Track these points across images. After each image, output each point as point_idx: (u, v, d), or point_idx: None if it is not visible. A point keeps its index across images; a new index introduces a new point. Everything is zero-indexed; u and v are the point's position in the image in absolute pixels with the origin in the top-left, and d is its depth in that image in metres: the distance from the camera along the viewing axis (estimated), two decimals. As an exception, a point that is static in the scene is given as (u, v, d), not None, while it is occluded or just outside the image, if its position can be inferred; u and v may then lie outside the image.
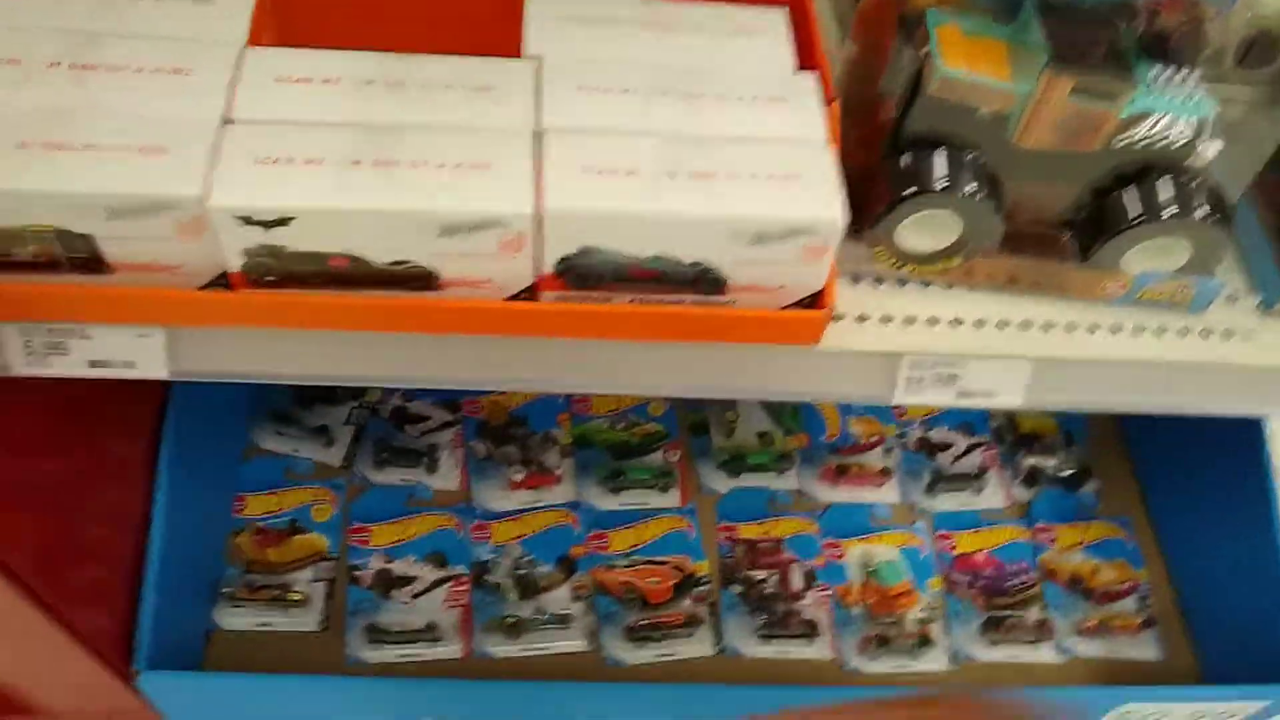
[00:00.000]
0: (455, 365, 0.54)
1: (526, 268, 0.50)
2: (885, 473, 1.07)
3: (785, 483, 1.06)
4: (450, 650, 0.93)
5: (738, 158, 0.50)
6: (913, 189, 0.53)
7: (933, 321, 0.58)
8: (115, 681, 0.76)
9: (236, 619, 0.92)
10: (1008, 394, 0.58)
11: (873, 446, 1.09)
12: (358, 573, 0.96)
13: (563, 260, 0.50)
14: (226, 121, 0.49)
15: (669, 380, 0.56)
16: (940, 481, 1.07)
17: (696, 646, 0.95)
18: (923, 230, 0.55)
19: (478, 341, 0.53)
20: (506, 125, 0.51)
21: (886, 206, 0.54)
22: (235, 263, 0.49)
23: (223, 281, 0.50)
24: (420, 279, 0.50)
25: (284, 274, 0.49)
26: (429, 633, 0.93)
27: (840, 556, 1.02)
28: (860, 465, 1.07)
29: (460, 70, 0.52)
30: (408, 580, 0.96)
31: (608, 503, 1.03)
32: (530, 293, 0.52)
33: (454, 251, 0.49)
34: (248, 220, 0.46)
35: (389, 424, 1.05)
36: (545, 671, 0.92)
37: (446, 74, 0.52)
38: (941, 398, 0.57)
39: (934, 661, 0.96)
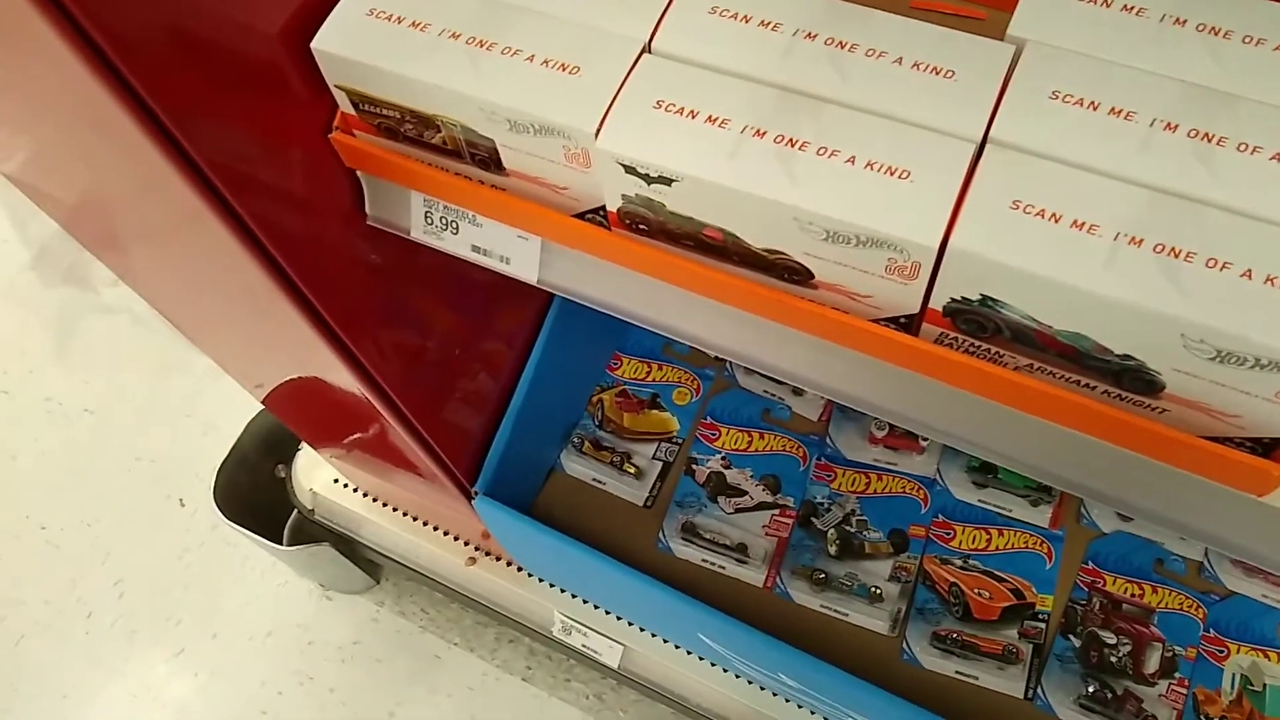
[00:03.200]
0: (805, 364, 0.48)
1: (915, 297, 0.42)
2: (1323, 587, 0.86)
3: (1186, 548, 0.89)
4: (753, 576, 0.91)
5: (1234, 241, 0.37)
6: None
7: None
8: (462, 499, 0.84)
9: (577, 466, 0.97)
10: None
11: (1320, 549, 0.87)
12: (695, 466, 0.97)
13: (956, 302, 0.41)
14: (646, 49, 0.45)
15: (1047, 464, 0.46)
16: (1397, 624, 0.84)
17: (1005, 683, 0.85)
18: None
19: (836, 350, 0.47)
20: (951, 125, 0.41)
21: None
22: (614, 203, 0.46)
23: (602, 211, 0.48)
24: (794, 272, 0.44)
25: (657, 227, 0.46)
26: (739, 551, 0.92)
27: (1220, 658, 0.85)
28: (1292, 565, 0.86)
29: (919, 41, 0.43)
30: (738, 492, 0.95)
31: (967, 494, 0.93)
32: (912, 320, 0.44)
33: (836, 259, 0.42)
34: (630, 170, 0.43)
35: (771, 332, 1.02)
36: (836, 637, 0.88)
37: (899, 42, 0.43)
38: None
39: (1292, 827, 0.79)
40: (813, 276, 0.44)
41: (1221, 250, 0.37)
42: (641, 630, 1.02)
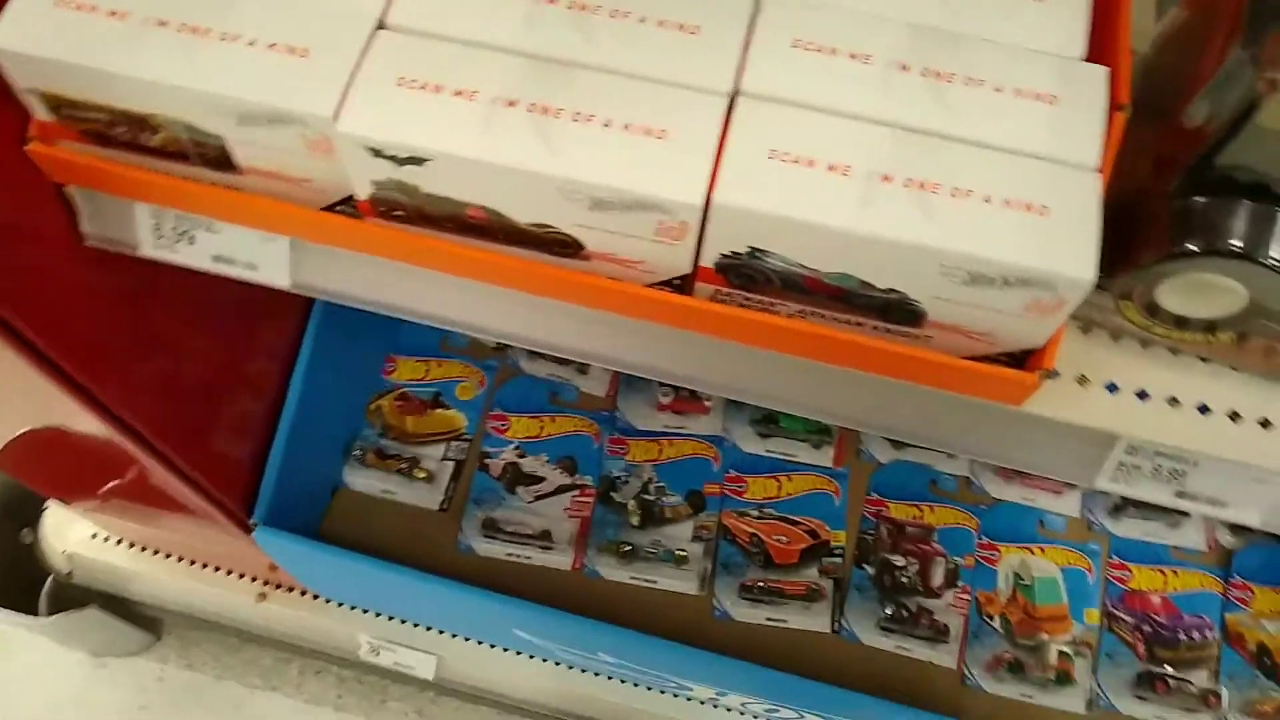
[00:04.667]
0: (586, 338, 0.47)
1: (685, 257, 0.42)
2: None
3: (955, 466, 0.96)
4: (560, 561, 0.90)
5: (976, 169, 0.40)
6: (1199, 244, 0.41)
7: (1173, 402, 0.46)
8: (240, 532, 0.78)
9: (363, 481, 0.92)
10: (1242, 508, 0.46)
11: (1062, 449, 0.97)
12: (488, 460, 0.94)
13: (726, 257, 0.42)
14: (380, 25, 0.42)
15: (830, 405, 0.47)
16: (1132, 505, 0.94)
17: (812, 620, 0.89)
18: (1193, 294, 0.43)
19: (615, 320, 0.46)
20: (701, 79, 0.41)
21: (1157, 257, 0.42)
22: (363, 191, 0.43)
23: (350, 202, 0.45)
24: (564, 245, 0.43)
25: (415, 212, 0.43)
26: (543, 539, 0.91)
27: (994, 561, 0.92)
28: (1042, 467, 0.95)
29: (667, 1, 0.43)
30: (535, 479, 0.94)
31: (753, 446, 0.96)
32: (685, 280, 0.44)
33: (604, 227, 0.41)
34: (377, 153, 0.40)
35: (547, 314, 1.01)
36: (649, 606, 0.89)
37: (642, 1, 0.43)
38: (1156, 494, 0.47)
39: (1068, 701, 0.87)
40: (583, 248, 0.43)
41: (963, 179, 0.39)
42: (454, 636, 0.99)
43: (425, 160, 0.40)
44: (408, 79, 0.41)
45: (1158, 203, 0.43)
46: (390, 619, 0.99)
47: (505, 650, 0.99)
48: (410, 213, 0.43)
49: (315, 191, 0.44)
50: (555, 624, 0.78)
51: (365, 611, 0.99)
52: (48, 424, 0.65)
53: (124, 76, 0.41)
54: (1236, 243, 0.40)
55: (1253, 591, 0.91)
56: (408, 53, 0.41)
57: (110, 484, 0.79)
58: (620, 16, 0.42)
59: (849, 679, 0.78)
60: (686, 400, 0.97)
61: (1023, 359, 0.43)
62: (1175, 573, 0.93)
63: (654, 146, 0.40)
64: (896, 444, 0.96)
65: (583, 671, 0.99)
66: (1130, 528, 0.94)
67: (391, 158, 0.40)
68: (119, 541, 1.03)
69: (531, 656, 0.98)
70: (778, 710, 0.87)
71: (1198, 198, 0.42)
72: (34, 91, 0.43)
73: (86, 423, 0.59)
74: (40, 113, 0.45)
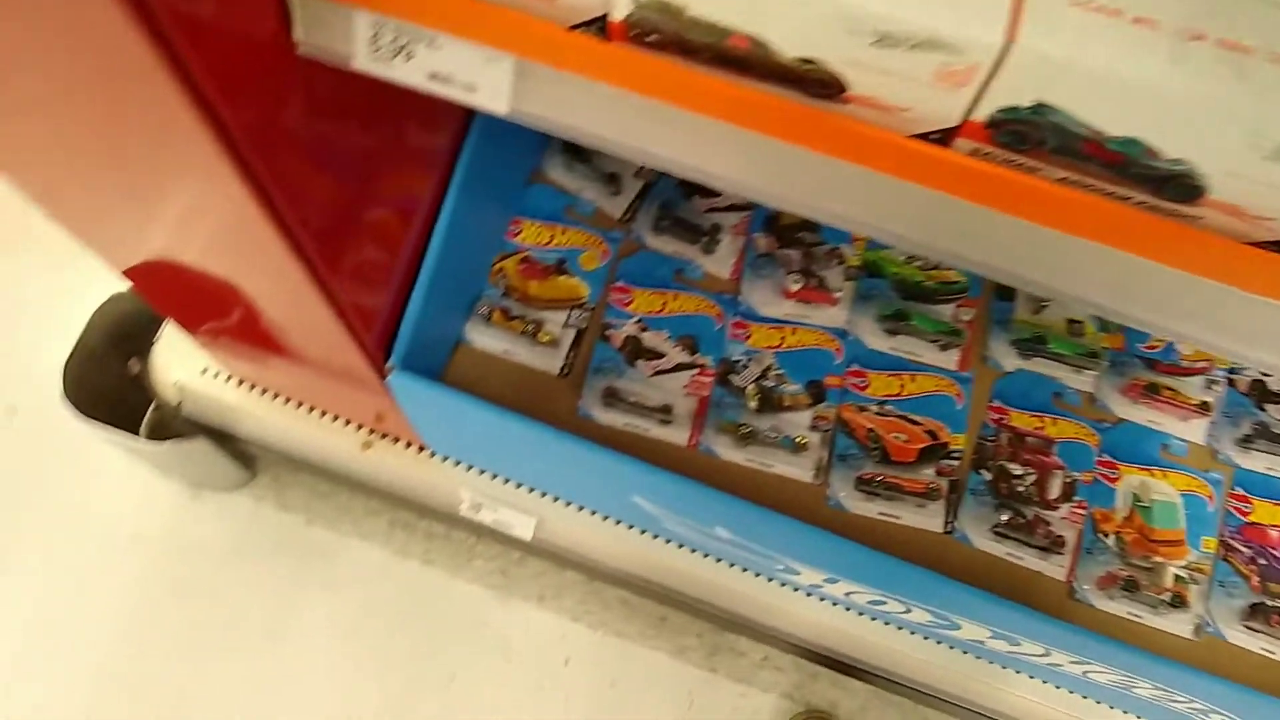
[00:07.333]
0: (822, 192, 0.45)
1: (958, 107, 0.40)
2: (1202, 407, 0.92)
3: (1080, 381, 0.94)
4: (677, 436, 0.90)
5: (1292, 36, 0.37)
6: None
7: None
8: (372, 375, 0.78)
9: (485, 339, 0.92)
10: None
11: (1196, 372, 0.94)
12: (610, 331, 0.93)
13: (1003, 112, 0.39)
14: None
15: (1073, 282, 0.45)
16: (1261, 438, 0.92)
17: (925, 519, 0.88)
18: None
19: (852, 170, 0.44)
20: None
21: None
22: (622, 10, 0.40)
23: (600, 22, 0.42)
24: (824, 85, 0.41)
25: (672, 38, 0.41)
26: (662, 412, 0.90)
27: (1113, 480, 0.91)
28: (1174, 390, 0.93)
29: None
30: (655, 354, 0.93)
31: (878, 342, 0.94)
32: (944, 135, 0.42)
33: (879, 66, 0.39)
34: (655, -36, 0.38)
35: (678, 189, 0.98)
36: (762, 489, 0.89)
37: None
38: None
39: (1177, 625, 0.86)
40: (845, 90, 0.41)
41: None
42: (555, 500, 1.00)
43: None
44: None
45: None
46: (494, 478, 1.00)
47: (606, 519, 0.99)
48: (666, 38, 0.41)
49: (565, 7, 0.42)
50: (682, 493, 0.78)
51: (469, 469, 1.00)
52: (212, 226, 0.64)
53: None
54: None
55: (1375, 536, 0.90)
56: None
57: (249, 314, 0.78)
58: None
59: (957, 580, 0.78)
60: (814, 289, 0.95)
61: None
62: (1297, 509, 0.91)
63: (953, -20, 0.37)
64: (1023, 353, 0.94)
65: (679, 546, 1.00)
66: (1257, 460, 0.92)
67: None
68: (228, 378, 1.04)
69: (631, 527, 0.99)
70: (884, 602, 0.88)
71: None
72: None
73: (259, 237, 0.58)
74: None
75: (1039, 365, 0.94)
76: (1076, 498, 0.90)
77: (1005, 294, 0.96)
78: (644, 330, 0.93)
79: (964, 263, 0.45)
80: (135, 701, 1.15)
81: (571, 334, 0.93)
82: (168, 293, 0.82)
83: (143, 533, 1.22)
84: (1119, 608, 0.87)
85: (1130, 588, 0.86)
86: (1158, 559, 0.88)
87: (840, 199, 0.45)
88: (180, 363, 1.04)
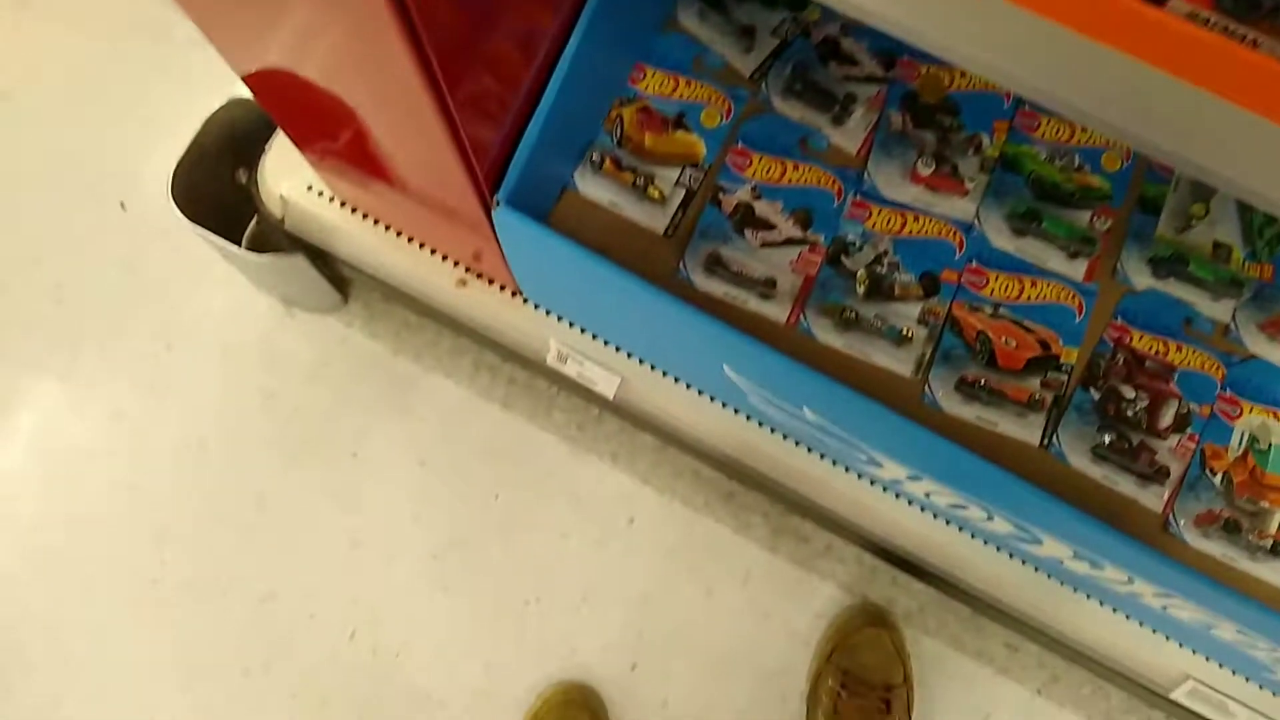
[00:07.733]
0: (997, 47, 0.40)
1: (1184, -39, 0.35)
2: (1344, 354, 0.86)
3: (1216, 310, 0.88)
4: (776, 313, 0.87)
5: None
6: None
7: None
8: (478, 209, 0.76)
9: (592, 187, 0.89)
10: None
11: (1345, 317, 0.87)
12: (722, 195, 0.90)
13: (1241, -30, 0.34)
14: None
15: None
16: (1404, 396, 0.86)
17: (1023, 429, 0.85)
18: None
19: (1039, 24, 0.39)
20: None
21: None
22: None
23: None
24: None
25: None
26: (765, 286, 0.87)
27: (1232, 417, 0.86)
28: (1317, 332, 0.87)
29: None
30: (766, 225, 0.89)
31: (1004, 242, 0.89)
32: (1158, -3, 0.37)
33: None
34: None
35: (815, 52, 0.92)
36: (857, 378, 0.86)
37: None
38: None
39: (1272, 574, 0.83)
40: (1055, -72, 0.36)
41: None
42: (642, 363, 0.99)
43: None
44: None
45: None
46: (583, 332, 0.99)
47: (690, 388, 0.98)
48: None
49: None
50: (776, 368, 0.75)
51: (560, 319, 0.99)
52: (337, 48, 0.62)
53: None
54: None
55: None
56: None
57: (362, 133, 0.77)
58: None
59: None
60: (946, 177, 0.89)
61: None
62: None
63: None
64: (1158, 272, 0.88)
65: (760, 425, 0.98)
66: (1394, 418, 0.86)
67: None
68: (333, 199, 1.03)
69: (714, 399, 0.98)
70: (965, 507, 0.85)
71: None
72: None
73: (389, 50, 0.56)
74: None
75: (1173, 287, 0.88)
76: (1190, 430, 0.85)
77: (1149, 207, 0.89)
78: (758, 198, 0.89)
79: (1157, 153, 0.40)
80: (212, 498, 1.20)
81: (681, 193, 0.89)
82: (285, 102, 0.81)
83: (234, 341, 1.25)
84: (1213, 548, 0.83)
85: (1230, 529, 0.82)
86: (1265, 504, 0.84)
87: (1018, 59, 0.40)
88: (288, 176, 1.04)
